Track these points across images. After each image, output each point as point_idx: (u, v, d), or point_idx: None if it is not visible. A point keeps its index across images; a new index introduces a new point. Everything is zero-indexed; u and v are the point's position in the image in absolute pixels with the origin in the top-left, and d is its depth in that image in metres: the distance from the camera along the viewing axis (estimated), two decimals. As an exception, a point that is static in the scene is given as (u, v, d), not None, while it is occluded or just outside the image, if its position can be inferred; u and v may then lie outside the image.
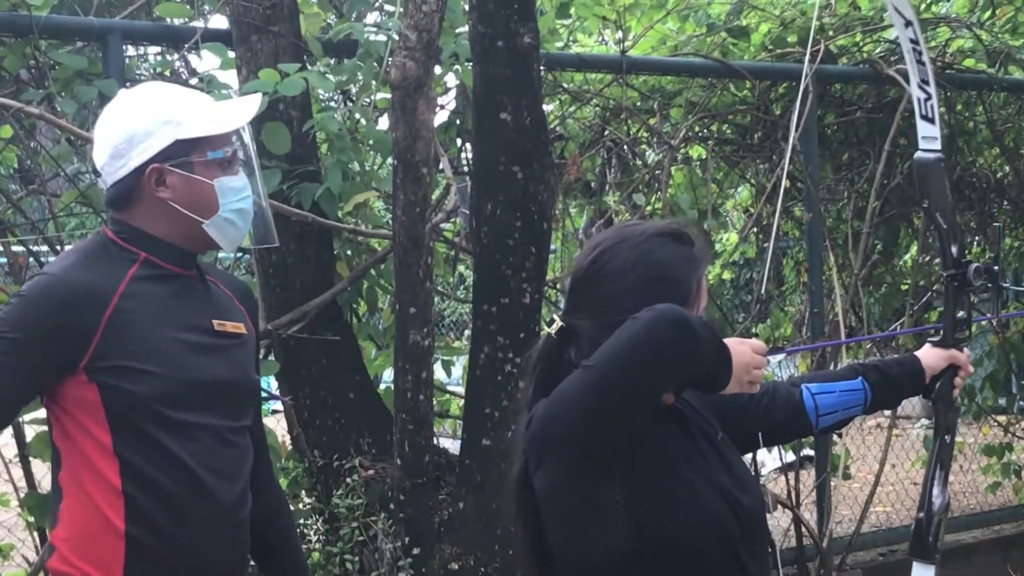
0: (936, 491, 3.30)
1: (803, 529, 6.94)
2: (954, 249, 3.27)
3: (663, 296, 2.69)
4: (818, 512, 7.09)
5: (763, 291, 7.46)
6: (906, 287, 8.01)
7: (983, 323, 9.32)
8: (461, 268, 7.10)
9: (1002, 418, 8.98)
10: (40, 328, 3.02)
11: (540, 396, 2.73)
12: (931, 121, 3.26)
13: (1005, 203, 8.89)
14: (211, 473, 3.15)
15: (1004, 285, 3.31)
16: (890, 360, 3.31)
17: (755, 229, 7.61)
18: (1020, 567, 7.72)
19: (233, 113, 3.25)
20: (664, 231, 2.82)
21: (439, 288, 6.82)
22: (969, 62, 7.77)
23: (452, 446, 5.54)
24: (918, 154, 3.25)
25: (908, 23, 3.23)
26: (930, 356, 3.30)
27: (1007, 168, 8.71)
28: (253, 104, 3.30)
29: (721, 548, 2.70)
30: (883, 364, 3.28)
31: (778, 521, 7.06)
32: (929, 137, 3.25)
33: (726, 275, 8.61)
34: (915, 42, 3.24)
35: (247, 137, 3.36)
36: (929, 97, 3.27)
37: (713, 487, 2.72)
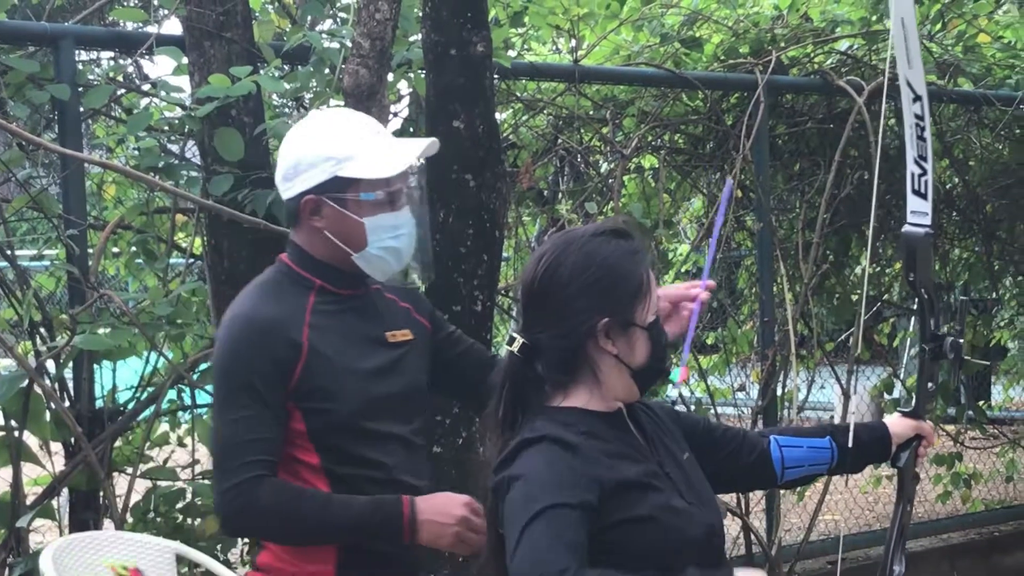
0: (897, 560, 3.30)
1: (752, 537, 6.98)
2: (932, 322, 3.28)
3: (616, 292, 2.73)
4: (767, 520, 7.14)
5: (714, 300, 7.49)
6: (856, 297, 8.06)
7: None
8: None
9: (951, 428, 9.06)
10: (258, 365, 3.19)
11: (509, 413, 2.77)
12: (923, 197, 3.24)
13: (954, 214, 8.97)
14: (406, 474, 3.34)
15: (966, 358, 3.35)
16: (859, 424, 3.31)
17: (707, 239, 7.64)
18: (966, 575, 7.78)
19: (397, 157, 3.33)
20: (604, 230, 2.85)
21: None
22: (919, 74, 7.82)
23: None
24: (906, 228, 3.23)
25: (917, 98, 3.23)
26: (898, 425, 3.30)
27: (956, 180, 8.79)
28: (419, 148, 3.39)
29: (678, 567, 2.73)
30: (853, 427, 3.26)
31: (727, 529, 7.08)
32: (919, 212, 3.23)
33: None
34: (920, 118, 3.24)
35: (414, 178, 3.46)
36: (924, 173, 3.26)
37: (673, 511, 2.74)
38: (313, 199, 3.27)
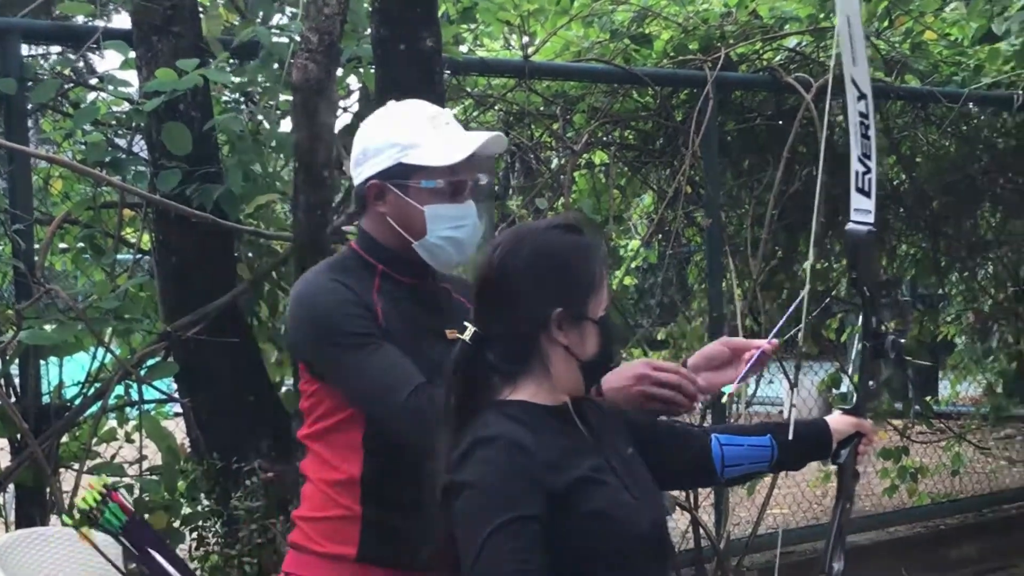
0: (836, 557, 3.29)
1: (701, 531, 7.01)
2: (874, 320, 3.28)
3: (571, 284, 2.75)
4: (716, 514, 7.17)
5: (665, 296, 7.52)
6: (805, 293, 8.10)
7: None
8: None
9: (898, 422, 9.12)
10: (351, 309, 3.24)
11: (460, 402, 2.78)
12: (867, 195, 3.25)
13: (901, 210, 9.03)
14: None
15: (908, 359, 3.35)
16: (800, 421, 3.29)
17: (658, 235, 7.67)
18: (913, 567, 7.84)
19: (459, 147, 3.34)
20: (559, 224, 2.88)
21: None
22: (867, 71, 7.87)
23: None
24: (850, 226, 3.23)
25: (862, 96, 3.22)
26: (838, 422, 3.29)
27: (903, 176, 8.85)
28: (481, 139, 3.37)
29: (627, 563, 2.74)
30: (793, 424, 3.25)
31: (677, 523, 7.12)
32: (862, 210, 3.23)
33: (628, 281, 8.66)
34: (864, 116, 3.23)
35: (484, 175, 3.47)
36: (868, 171, 3.26)
37: (622, 506, 2.75)
38: (377, 184, 3.32)
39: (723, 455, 3.16)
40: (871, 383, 3.29)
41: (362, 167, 3.35)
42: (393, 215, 3.32)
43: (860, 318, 3.27)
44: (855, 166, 3.25)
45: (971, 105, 8.44)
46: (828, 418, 3.28)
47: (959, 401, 12.44)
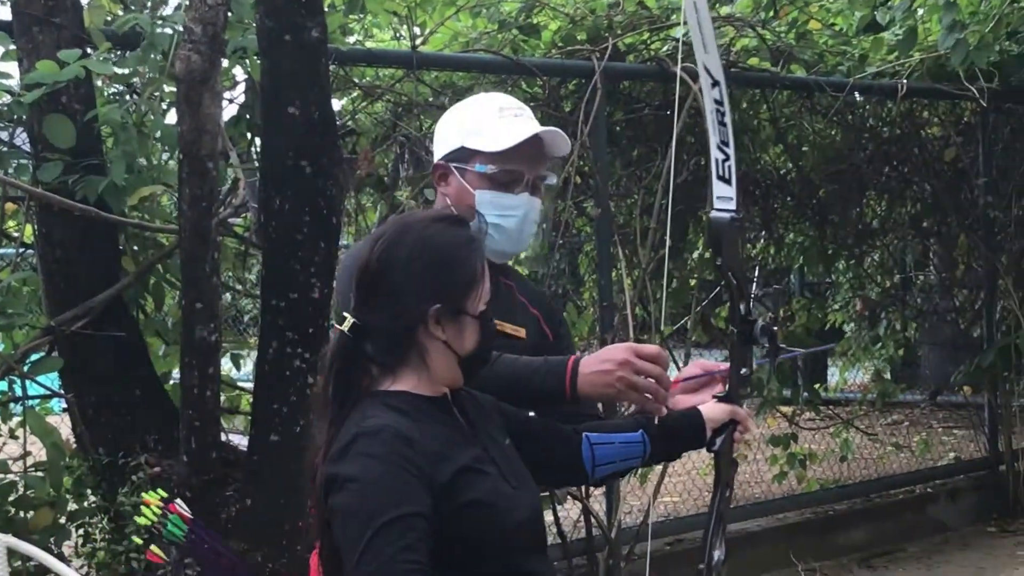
0: (716, 545, 3.27)
1: (592, 520, 7.04)
2: (742, 307, 3.27)
3: (450, 279, 2.74)
4: (607, 503, 7.21)
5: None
6: (694, 282, 8.17)
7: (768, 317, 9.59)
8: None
9: (787, 409, 9.22)
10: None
11: (339, 393, 2.76)
12: (727, 182, 3.24)
13: (788, 199, 9.13)
14: None
15: (782, 347, 3.34)
16: (673, 412, 3.26)
17: (546, 225, 7.68)
18: (802, 553, 7.93)
19: (512, 135, 3.43)
20: (444, 217, 2.88)
21: (232, 284, 6.77)
22: (753, 61, 7.95)
23: (243, 443, 5.50)
24: (713, 214, 3.21)
25: (715, 83, 3.21)
26: (712, 410, 3.27)
27: (790, 165, 8.94)
28: (535, 129, 3.46)
29: (507, 551, 2.75)
30: (664, 417, 3.23)
31: (568, 512, 7.15)
32: (724, 197, 3.22)
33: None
34: (719, 103, 3.23)
35: (550, 173, 3.57)
36: (727, 158, 3.26)
37: (502, 495, 2.76)
38: (441, 165, 3.47)
39: (594, 455, 3.15)
40: (743, 370, 3.30)
41: (438, 149, 3.51)
42: (453, 197, 3.44)
43: (727, 305, 3.25)
44: (714, 154, 3.25)
45: (856, 95, 8.54)
46: (701, 407, 3.27)
47: (847, 388, 12.62)
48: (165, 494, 3.42)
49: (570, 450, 3.13)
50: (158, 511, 3.34)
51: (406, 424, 2.69)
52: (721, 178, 3.24)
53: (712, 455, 3.26)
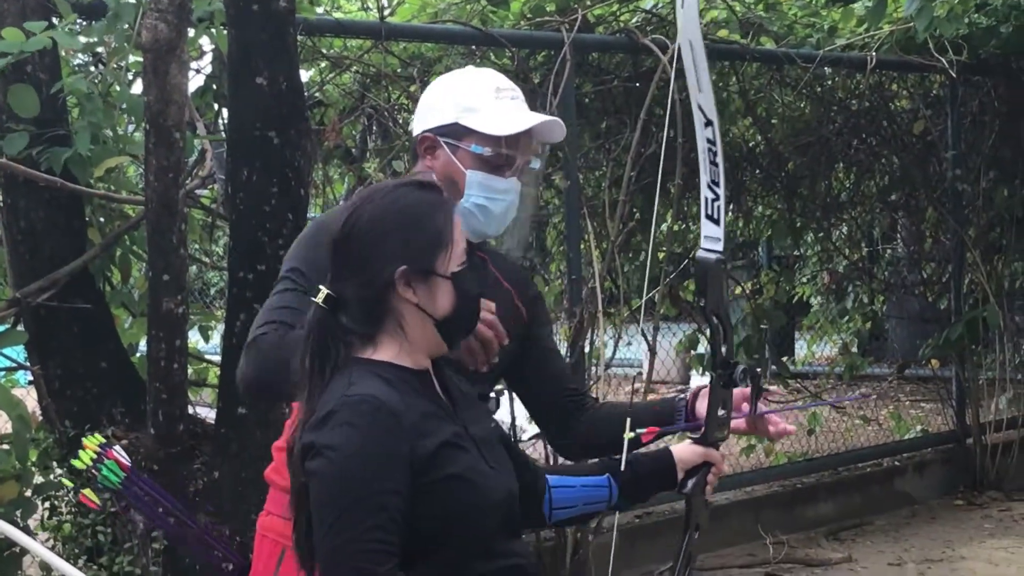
0: None
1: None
2: (723, 349, 3.24)
3: (413, 239, 2.71)
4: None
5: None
6: (663, 255, 8.15)
7: (736, 290, 9.61)
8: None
9: (755, 382, 9.22)
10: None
11: (316, 365, 2.72)
12: (716, 222, 3.22)
13: (757, 171, 9.13)
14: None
15: (764, 387, 3.31)
16: (642, 456, 3.21)
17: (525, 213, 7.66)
18: (770, 526, 7.95)
19: (514, 121, 3.39)
20: (410, 182, 2.85)
21: (200, 256, 6.74)
22: (723, 33, 7.92)
23: (211, 415, 5.48)
24: (700, 253, 3.19)
25: (709, 123, 3.19)
26: (684, 452, 3.21)
27: (759, 137, 8.93)
28: (537, 120, 3.42)
29: (480, 530, 2.73)
30: (633, 460, 3.18)
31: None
32: (712, 238, 3.20)
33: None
34: (712, 142, 3.21)
35: (537, 160, 3.54)
36: (717, 198, 3.24)
37: (479, 473, 2.74)
38: (430, 137, 3.39)
39: (551, 498, 3.09)
40: (721, 412, 3.25)
41: (423, 120, 3.43)
42: (439, 172, 3.37)
43: (708, 348, 3.22)
44: (704, 193, 3.23)
45: (825, 67, 8.53)
46: (674, 447, 3.21)
47: (815, 361, 12.65)
48: (103, 439, 3.37)
49: (533, 489, 3.05)
50: (94, 456, 3.29)
51: (390, 394, 2.66)
52: (710, 218, 3.22)
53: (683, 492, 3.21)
